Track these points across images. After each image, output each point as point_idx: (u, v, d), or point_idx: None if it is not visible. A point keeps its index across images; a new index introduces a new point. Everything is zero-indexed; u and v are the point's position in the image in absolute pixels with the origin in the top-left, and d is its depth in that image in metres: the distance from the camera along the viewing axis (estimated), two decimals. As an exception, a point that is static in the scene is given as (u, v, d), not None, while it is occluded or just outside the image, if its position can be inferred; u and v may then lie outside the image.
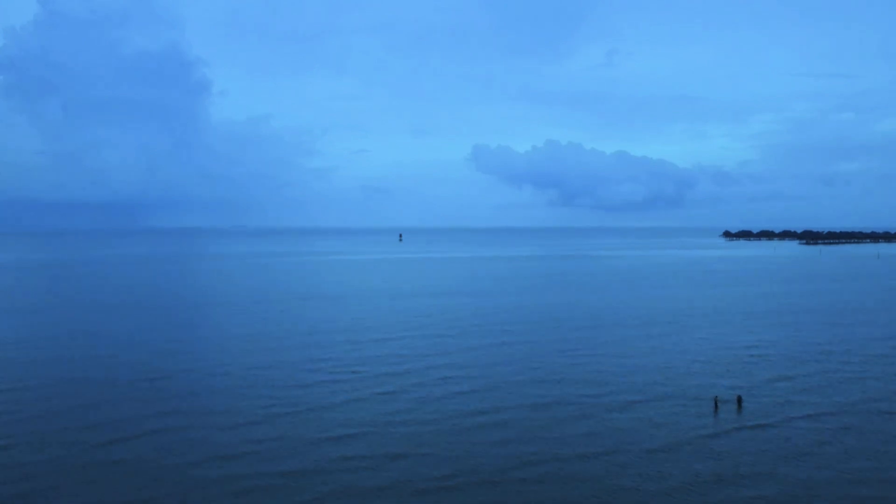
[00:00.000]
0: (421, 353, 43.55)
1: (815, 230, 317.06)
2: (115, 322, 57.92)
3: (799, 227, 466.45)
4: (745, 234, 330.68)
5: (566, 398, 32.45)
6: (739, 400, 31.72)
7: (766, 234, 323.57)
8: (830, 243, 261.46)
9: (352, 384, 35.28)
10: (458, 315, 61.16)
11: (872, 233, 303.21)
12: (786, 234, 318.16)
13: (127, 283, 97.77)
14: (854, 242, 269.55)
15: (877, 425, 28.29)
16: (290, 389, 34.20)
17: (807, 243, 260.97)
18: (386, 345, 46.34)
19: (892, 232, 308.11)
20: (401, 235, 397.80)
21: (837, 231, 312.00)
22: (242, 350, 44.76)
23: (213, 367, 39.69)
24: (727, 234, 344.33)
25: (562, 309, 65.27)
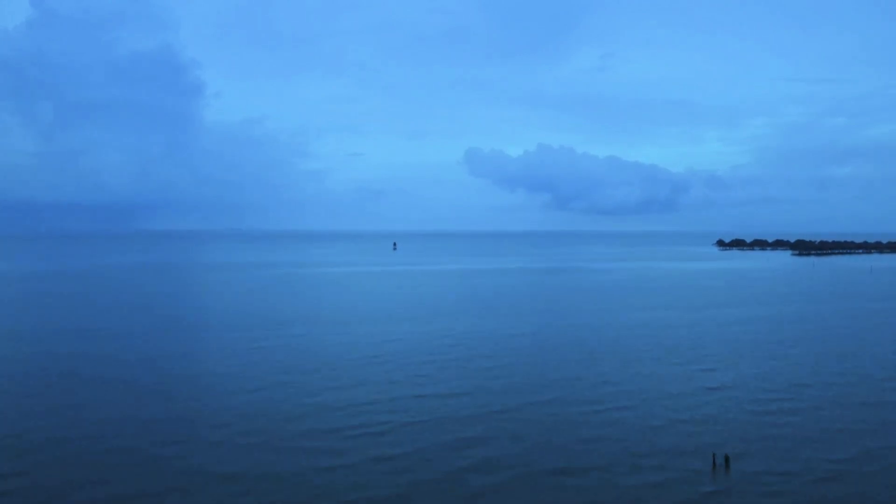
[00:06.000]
0: (408, 404, 42.31)
1: (807, 239, 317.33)
2: (90, 358, 56.57)
3: (792, 232, 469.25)
4: (738, 244, 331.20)
5: (568, 465, 31.34)
6: (727, 459, 30.71)
7: (760, 244, 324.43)
8: (823, 254, 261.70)
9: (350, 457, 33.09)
10: (443, 346, 60.10)
11: (864, 242, 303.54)
12: (779, 244, 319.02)
13: (110, 304, 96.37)
14: (847, 253, 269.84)
15: (875, 477, 27.36)
16: (279, 465, 31.39)
17: (799, 254, 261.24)
18: (371, 393, 45.16)
19: (884, 242, 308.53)
20: (395, 244, 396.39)
21: (830, 241, 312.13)
22: (216, 403, 43.24)
23: (183, 437, 37.12)
24: (721, 244, 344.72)
25: (545, 338, 64.22)
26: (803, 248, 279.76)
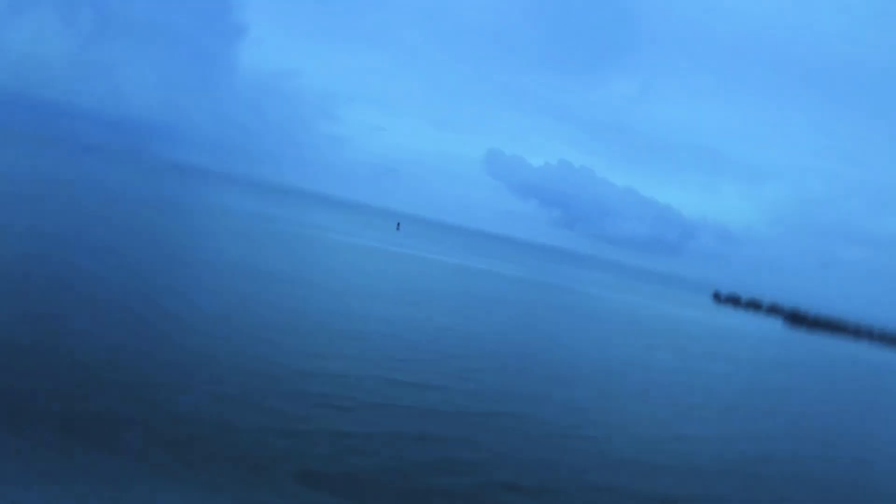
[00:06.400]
0: (377, 386, 42.37)
1: (802, 311, 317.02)
2: (75, 270, 56.60)
3: (790, 299, 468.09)
4: (733, 300, 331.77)
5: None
6: (669, 511, 30.88)
7: (755, 305, 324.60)
8: (815, 330, 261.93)
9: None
10: (425, 337, 60.14)
11: (857, 327, 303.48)
12: (773, 309, 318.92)
13: (106, 218, 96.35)
14: (839, 334, 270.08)
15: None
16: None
17: (791, 325, 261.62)
18: (344, 366, 45.21)
19: (876, 330, 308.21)
20: (399, 224, 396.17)
21: (824, 318, 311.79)
22: (188, 342, 43.37)
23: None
24: (716, 297, 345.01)
25: (526, 350, 64.21)
26: (796, 319, 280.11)
